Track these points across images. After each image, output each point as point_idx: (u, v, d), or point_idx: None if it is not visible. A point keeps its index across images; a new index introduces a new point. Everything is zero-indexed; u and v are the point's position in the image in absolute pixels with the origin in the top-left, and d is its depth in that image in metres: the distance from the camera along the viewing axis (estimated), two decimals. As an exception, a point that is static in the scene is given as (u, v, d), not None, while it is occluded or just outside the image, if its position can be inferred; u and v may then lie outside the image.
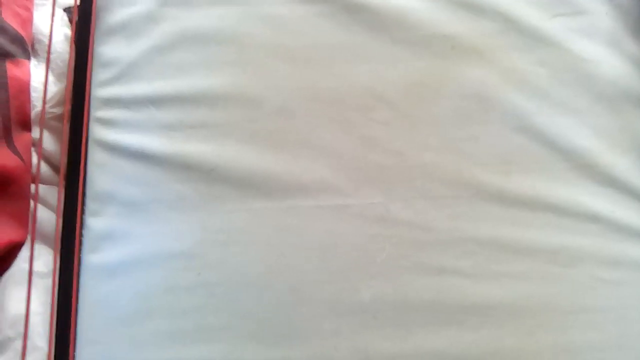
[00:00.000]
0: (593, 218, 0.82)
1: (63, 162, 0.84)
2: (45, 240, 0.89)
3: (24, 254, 0.88)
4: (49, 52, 0.96)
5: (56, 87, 0.96)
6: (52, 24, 0.97)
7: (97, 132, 0.85)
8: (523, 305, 0.80)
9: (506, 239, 0.82)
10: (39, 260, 0.87)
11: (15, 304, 0.84)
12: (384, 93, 0.87)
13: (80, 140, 0.83)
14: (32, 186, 0.91)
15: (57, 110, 0.94)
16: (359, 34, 0.89)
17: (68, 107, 0.90)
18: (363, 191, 0.83)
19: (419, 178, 0.84)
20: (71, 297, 0.79)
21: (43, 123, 0.93)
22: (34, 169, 0.91)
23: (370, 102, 0.86)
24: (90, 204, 0.83)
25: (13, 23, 0.96)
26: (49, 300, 0.82)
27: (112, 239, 0.81)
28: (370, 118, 0.86)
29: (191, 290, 0.79)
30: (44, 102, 0.93)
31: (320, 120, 0.86)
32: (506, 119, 0.86)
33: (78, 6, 0.92)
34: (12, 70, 0.93)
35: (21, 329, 0.82)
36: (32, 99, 0.95)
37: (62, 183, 0.85)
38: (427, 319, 0.79)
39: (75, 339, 0.78)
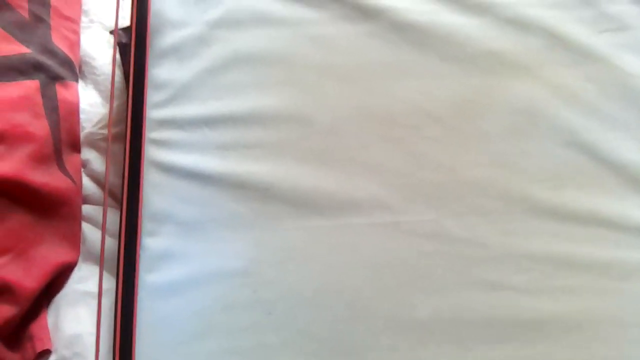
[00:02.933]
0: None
1: (123, 184, 0.85)
2: (95, 260, 0.90)
3: (76, 274, 0.89)
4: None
5: (104, 109, 0.97)
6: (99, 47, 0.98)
7: (152, 153, 0.86)
8: (578, 320, 0.80)
9: (560, 254, 0.82)
10: (91, 281, 0.88)
11: (70, 324, 0.84)
12: (433, 110, 0.88)
13: (137, 162, 0.84)
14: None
15: (105, 132, 0.96)
16: (407, 52, 0.90)
17: (110, 129, 0.90)
18: (415, 208, 0.84)
19: (470, 194, 0.84)
20: (131, 317, 0.79)
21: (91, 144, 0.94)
22: (84, 190, 0.93)
23: (420, 119, 0.87)
24: (147, 224, 0.83)
25: (62, 46, 0.98)
26: (102, 320, 0.82)
27: (169, 259, 0.82)
28: (420, 135, 0.87)
29: (248, 308, 0.80)
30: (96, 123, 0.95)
31: (370, 137, 0.87)
32: (556, 134, 0.87)
33: (133, 29, 0.93)
34: (61, 92, 0.95)
35: (76, 349, 0.82)
36: (80, 120, 0.97)
37: (121, 204, 0.86)
38: (483, 335, 0.79)
39: (134, 359, 0.78)
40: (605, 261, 0.82)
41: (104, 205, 0.87)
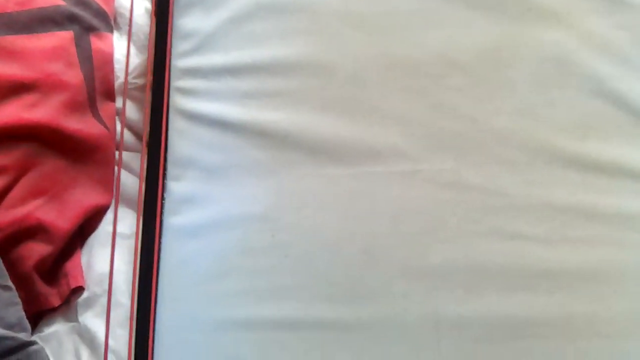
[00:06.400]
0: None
1: (146, 130, 0.88)
2: (129, 204, 0.94)
3: (109, 216, 0.93)
4: (130, 25, 1.00)
5: (138, 59, 1.00)
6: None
7: (177, 101, 0.89)
8: (598, 271, 0.78)
9: (582, 205, 0.81)
10: (123, 223, 0.92)
11: (101, 263, 0.88)
12: (458, 59, 0.87)
13: (162, 109, 0.86)
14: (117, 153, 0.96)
15: (139, 81, 0.98)
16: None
17: (150, 77, 0.93)
18: (434, 157, 0.84)
19: (492, 143, 0.83)
20: (153, 257, 0.82)
21: (126, 93, 0.97)
22: (118, 137, 0.96)
23: (444, 68, 0.87)
24: (172, 169, 0.86)
25: (97, -2, 1.01)
26: (132, 260, 0.86)
27: (192, 203, 0.85)
28: (444, 85, 0.86)
29: (266, 251, 0.82)
30: (127, 73, 0.98)
31: (393, 87, 0.87)
32: (584, 84, 0.85)
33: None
34: (96, 43, 0.98)
35: (107, 286, 0.87)
36: (115, 70, 1.00)
37: (145, 150, 0.89)
38: (498, 283, 0.79)
39: (156, 296, 0.82)
40: (629, 212, 0.80)
41: (141, 152, 0.90)
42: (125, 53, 1.00)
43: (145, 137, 0.88)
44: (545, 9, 0.88)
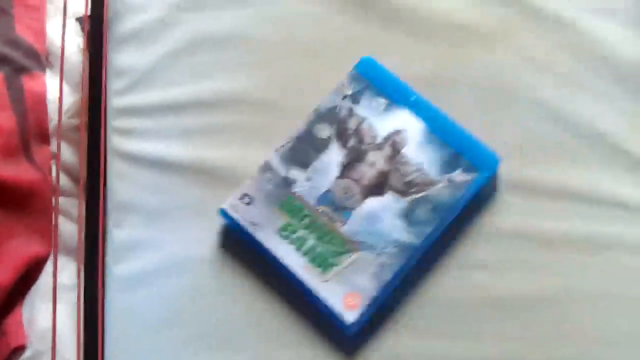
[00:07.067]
0: (620, 205, 0.80)
1: (82, 174, 0.84)
2: (69, 253, 0.90)
3: (49, 267, 0.89)
4: (62, 63, 0.96)
5: (72, 98, 0.96)
6: (63, 34, 0.97)
7: (115, 141, 0.85)
8: (550, 297, 0.78)
9: (531, 231, 0.80)
10: (64, 273, 0.88)
11: (44, 317, 0.84)
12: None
13: (99, 151, 0.83)
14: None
15: (74, 121, 0.94)
16: (373, 28, 0.89)
17: (84, 118, 0.89)
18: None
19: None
20: (97, 309, 0.78)
21: (60, 135, 0.93)
22: (54, 182, 0.92)
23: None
24: (112, 215, 0.83)
25: (26, 36, 0.96)
26: (76, 312, 0.82)
27: (137, 249, 0.81)
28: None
29: (216, 294, 0.79)
30: (60, 114, 0.93)
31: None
32: (526, 106, 0.85)
33: (89, 15, 0.91)
34: (28, 83, 0.94)
35: (50, 342, 0.82)
36: (48, 111, 0.96)
37: (82, 195, 0.85)
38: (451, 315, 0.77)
39: (103, 350, 0.78)
40: (579, 236, 0.80)
41: (79, 197, 0.86)
42: (58, 93, 0.96)
43: (82, 182, 0.84)
44: (483, 33, 0.88)
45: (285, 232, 0.77)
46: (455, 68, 0.87)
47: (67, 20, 0.99)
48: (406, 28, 0.89)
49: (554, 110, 0.84)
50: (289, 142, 0.81)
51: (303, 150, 0.80)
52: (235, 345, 0.77)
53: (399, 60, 0.86)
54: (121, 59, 0.88)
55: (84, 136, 0.84)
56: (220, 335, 0.77)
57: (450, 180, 0.78)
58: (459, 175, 0.79)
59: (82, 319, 0.79)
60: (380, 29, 0.88)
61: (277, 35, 0.89)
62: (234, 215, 0.78)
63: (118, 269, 0.81)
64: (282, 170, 0.80)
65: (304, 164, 0.80)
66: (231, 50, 0.89)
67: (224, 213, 0.79)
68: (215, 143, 0.85)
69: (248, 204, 0.79)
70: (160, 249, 0.81)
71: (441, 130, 0.81)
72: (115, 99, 0.87)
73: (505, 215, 0.81)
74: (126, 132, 0.86)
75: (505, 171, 0.82)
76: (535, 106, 0.85)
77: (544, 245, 0.79)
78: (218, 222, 0.81)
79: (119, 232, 0.82)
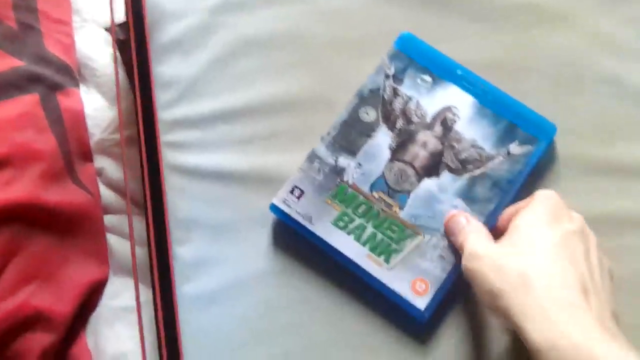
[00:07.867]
0: None
1: (146, 192, 0.80)
2: (126, 272, 0.87)
3: (108, 290, 0.86)
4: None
5: (112, 112, 0.92)
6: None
7: (169, 156, 0.82)
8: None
9: (616, 212, 0.77)
10: (124, 295, 0.85)
11: (110, 343, 0.82)
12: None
13: (158, 168, 0.79)
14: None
15: (116, 136, 0.91)
16: (430, 17, 0.85)
17: (123, 132, 0.86)
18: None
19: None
20: (176, 330, 0.76)
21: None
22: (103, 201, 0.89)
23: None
24: (175, 233, 0.80)
25: (57, 51, 0.93)
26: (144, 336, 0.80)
27: (204, 266, 0.78)
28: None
29: (293, 307, 0.76)
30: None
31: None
32: (601, 86, 0.81)
33: (123, 25, 0.87)
34: (63, 101, 0.90)
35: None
36: (88, 127, 0.92)
37: (141, 213, 0.82)
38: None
39: (182, 374, 0.75)
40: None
41: (127, 213, 0.83)
42: (96, 107, 0.92)
43: (144, 200, 0.80)
44: (549, 14, 0.84)
45: (341, 222, 0.74)
46: (522, 52, 0.83)
47: (98, 31, 0.96)
48: (466, 12, 0.84)
49: (629, 88, 0.81)
50: (334, 128, 0.78)
51: (350, 136, 0.77)
52: (317, 357, 0.74)
53: (460, 48, 0.82)
54: (164, 70, 0.84)
55: (140, 152, 0.79)
56: (301, 351, 0.75)
57: (508, 154, 0.76)
58: (516, 148, 0.76)
59: (160, 340, 0.75)
60: (437, 17, 0.84)
61: (324, 32, 0.84)
62: (286, 209, 0.75)
63: (188, 288, 0.78)
64: (330, 158, 0.76)
65: (352, 151, 0.77)
66: (277, 51, 0.84)
67: (274, 208, 0.76)
68: (272, 148, 0.81)
69: (299, 197, 0.76)
70: (229, 264, 0.78)
71: (492, 103, 0.77)
72: (164, 112, 0.83)
73: (589, 198, 0.77)
74: (179, 146, 0.82)
75: (587, 153, 0.79)
76: (610, 85, 0.81)
77: (627, 227, 0.76)
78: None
79: (183, 250, 0.79)
